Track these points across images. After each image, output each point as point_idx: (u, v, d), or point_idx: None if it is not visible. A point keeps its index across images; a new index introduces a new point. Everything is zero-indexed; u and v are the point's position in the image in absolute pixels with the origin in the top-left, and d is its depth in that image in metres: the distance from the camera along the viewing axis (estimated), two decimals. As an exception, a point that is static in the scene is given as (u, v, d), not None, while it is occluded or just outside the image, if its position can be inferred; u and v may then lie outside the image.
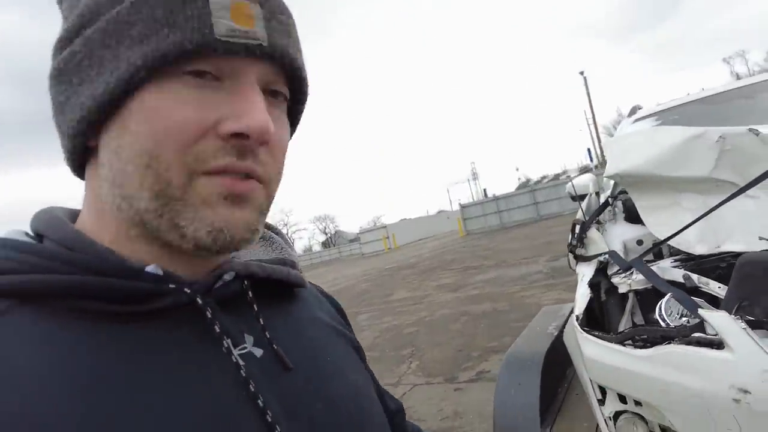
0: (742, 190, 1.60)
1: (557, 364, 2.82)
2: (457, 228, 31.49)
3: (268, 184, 0.44)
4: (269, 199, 0.45)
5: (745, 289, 1.33)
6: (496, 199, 29.14)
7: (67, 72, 0.40)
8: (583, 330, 1.64)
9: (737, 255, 1.57)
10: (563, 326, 3.05)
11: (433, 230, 47.60)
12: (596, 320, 1.89)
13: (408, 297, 9.64)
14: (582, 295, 1.87)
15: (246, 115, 0.39)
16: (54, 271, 0.38)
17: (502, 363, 2.82)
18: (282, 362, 0.45)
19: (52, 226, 0.43)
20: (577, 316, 1.76)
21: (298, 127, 0.53)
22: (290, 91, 0.46)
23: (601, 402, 1.58)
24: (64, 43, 0.41)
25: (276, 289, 0.52)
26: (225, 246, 0.41)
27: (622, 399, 1.49)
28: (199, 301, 0.42)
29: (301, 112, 0.51)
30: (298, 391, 0.45)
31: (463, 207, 30.56)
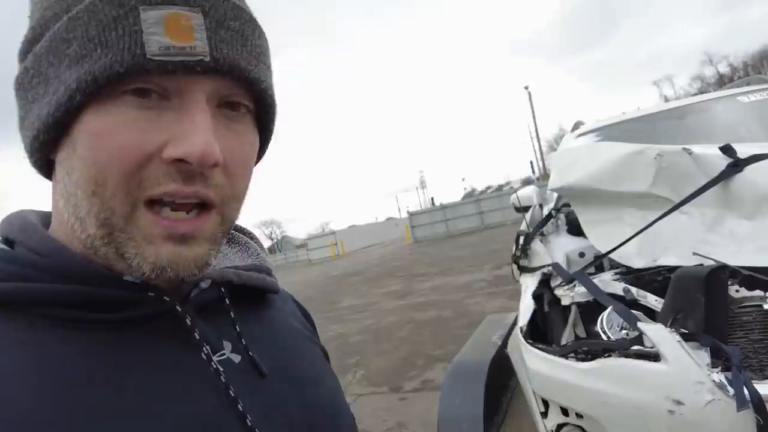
0: (676, 207, 1.67)
1: (501, 374, 2.84)
2: (405, 235, 31.73)
3: (224, 206, 0.42)
4: (226, 222, 0.43)
5: (679, 303, 1.37)
6: (443, 207, 29.67)
7: (23, 87, 0.39)
8: (527, 342, 1.65)
9: (672, 269, 1.63)
10: (507, 335, 3.10)
11: (381, 237, 47.75)
12: (540, 332, 1.91)
13: (355, 304, 9.57)
14: (526, 307, 1.89)
15: (186, 139, 0.36)
16: (28, 279, 0.37)
17: (446, 373, 2.82)
18: (257, 368, 0.46)
19: (24, 231, 0.42)
20: (521, 328, 1.77)
21: (272, 137, 0.50)
22: (255, 101, 0.44)
23: (544, 414, 1.58)
24: (21, 56, 0.40)
25: (251, 295, 0.52)
26: (171, 281, 0.40)
27: (565, 411, 1.50)
28: (179, 308, 0.42)
29: (271, 122, 0.47)
30: (275, 397, 0.45)
31: (411, 215, 30.87)
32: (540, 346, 1.61)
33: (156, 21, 0.35)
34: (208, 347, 0.42)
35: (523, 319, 1.81)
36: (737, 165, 1.64)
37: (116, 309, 0.39)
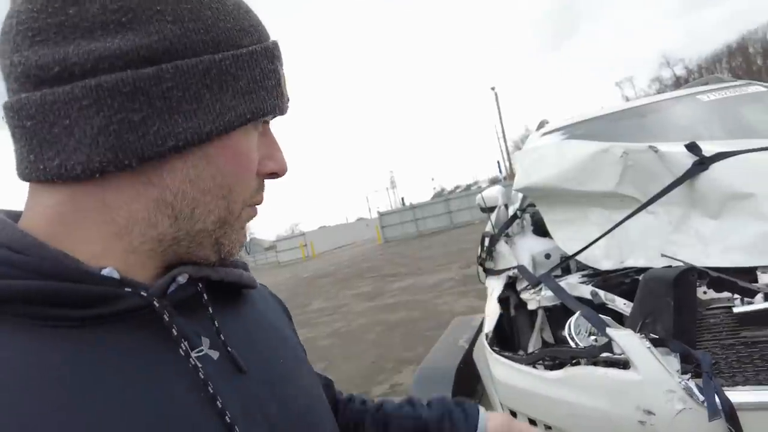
0: (643, 206, 1.63)
1: (468, 379, 2.77)
2: (376, 235, 31.70)
3: None
4: None
5: (648, 306, 1.32)
6: (413, 207, 29.80)
7: (147, 93, 0.40)
8: (493, 350, 1.58)
9: (640, 270, 1.58)
10: (474, 338, 3.04)
11: (352, 238, 47.58)
12: (506, 336, 1.85)
13: (325, 307, 9.44)
14: (491, 312, 1.82)
15: (279, 158, 0.50)
16: (3, 276, 0.37)
17: (413, 379, 2.74)
18: (236, 364, 0.46)
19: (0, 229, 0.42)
20: (487, 335, 1.70)
21: None
22: None
23: (511, 425, 1.51)
24: (136, 59, 0.39)
25: (229, 291, 0.54)
26: (192, 257, 0.47)
27: (532, 422, 1.44)
28: (156, 304, 0.42)
29: None
30: (253, 393, 0.46)
31: (381, 215, 30.89)
32: (506, 354, 1.55)
33: (284, 78, 0.48)
34: (186, 343, 0.43)
35: (489, 325, 1.74)
36: (703, 163, 1.61)
37: (93, 305, 0.39)
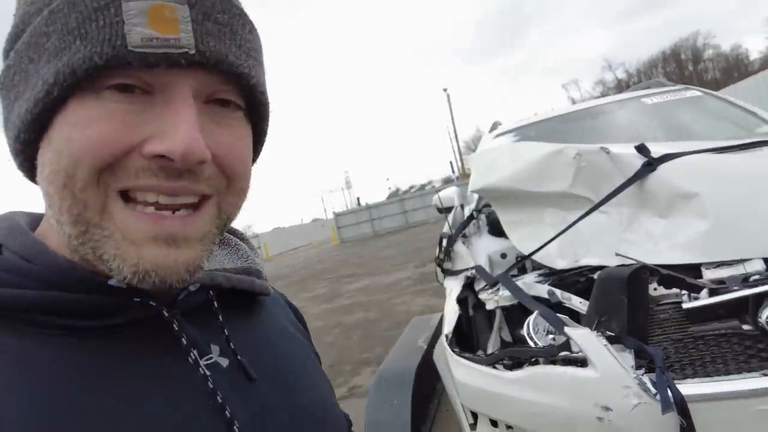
0: (596, 207, 1.67)
1: (428, 379, 2.78)
2: (332, 236, 31.51)
3: (221, 199, 0.41)
4: (222, 217, 0.42)
5: (603, 305, 1.35)
6: (368, 207, 29.81)
7: (5, 86, 0.38)
8: (453, 352, 1.58)
9: (594, 268, 1.63)
10: (433, 338, 3.05)
11: (307, 239, 47.04)
12: (465, 336, 1.85)
13: (279, 310, 9.26)
14: (450, 313, 1.82)
15: (169, 134, 0.35)
16: (12, 285, 0.36)
17: (373, 382, 2.72)
18: (246, 373, 0.45)
19: (12, 235, 0.41)
20: (447, 336, 1.70)
21: (266, 138, 0.49)
22: (246, 99, 0.42)
23: (473, 426, 1.52)
24: (4, 55, 0.38)
25: (241, 298, 0.51)
26: (157, 287, 0.37)
27: (494, 423, 1.44)
28: (166, 313, 0.41)
29: (264, 121, 0.46)
30: (264, 402, 0.45)
31: (337, 215, 30.73)
32: (466, 355, 1.55)
33: (139, 12, 0.33)
34: (195, 351, 0.42)
35: (448, 326, 1.74)
36: (651, 164, 1.68)
37: (101, 315, 0.39)
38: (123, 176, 0.36)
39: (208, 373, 0.42)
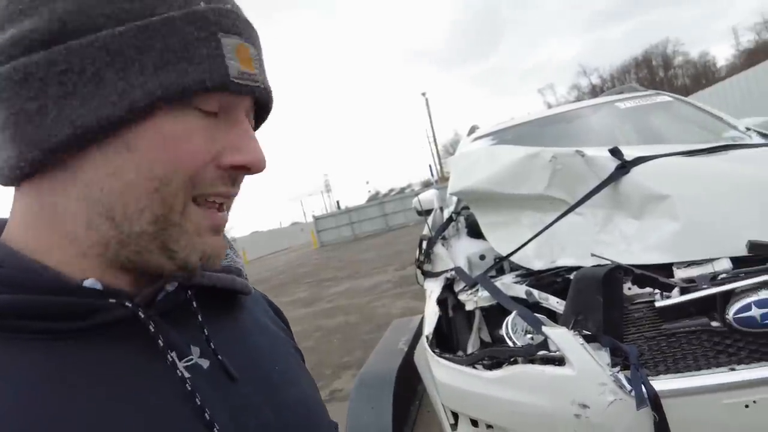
0: (572, 209, 1.71)
1: (409, 381, 2.80)
2: (312, 240, 31.34)
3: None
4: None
5: (579, 304, 1.38)
6: (348, 211, 29.75)
7: (41, 79, 0.36)
8: (434, 353, 1.60)
9: (571, 269, 1.66)
10: (413, 340, 3.07)
11: (287, 243, 46.67)
12: (445, 337, 1.87)
13: (258, 315, 9.17)
14: (431, 314, 1.84)
15: (246, 149, 0.43)
16: None
17: (354, 385, 2.72)
18: (227, 373, 0.45)
19: None
20: (427, 337, 1.71)
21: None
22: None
23: (454, 426, 1.54)
24: (29, 44, 0.36)
25: (221, 297, 0.52)
26: (207, 267, 0.44)
27: (475, 422, 1.46)
28: (141, 314, 0.41)
29: (262, 123, 0.52)
30: (246, 401, 0.45)
31: (316, 219, 30.57)
32: (447, 355, 1.57)
33: (232, 48, 0.40)
34: (173, 353, 0.42)
35: (429, 327, 1.76)
36: (624, 167, 1.72)
37: (76, 318, 0.38)
38: (200, 184, 0.41)
39: (187, 375, 0.41)
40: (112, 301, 0.40)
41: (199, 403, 0.40)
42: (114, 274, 0.42)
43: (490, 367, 1.42)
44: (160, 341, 0.41)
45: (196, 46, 0.38)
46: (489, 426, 1.41)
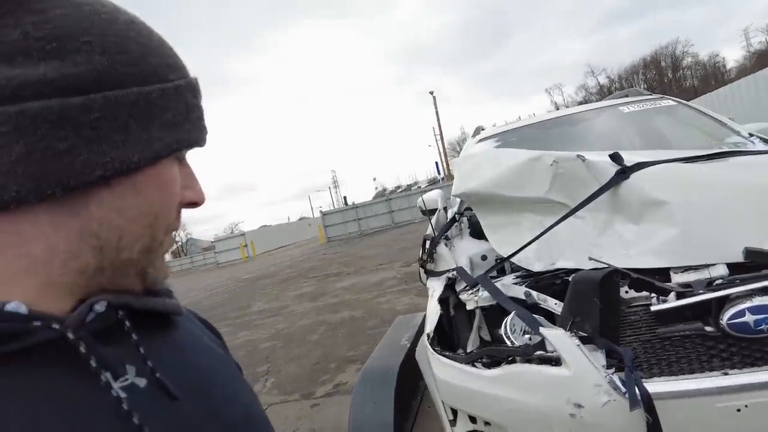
0: (572, 212, 1.74)
1: (411, 377, 2.84)
2: (318, 235, 31.43)
3: None
4: None
5: (577, 306, 1.41)
6: (355, 207, 29.80)
7: (75, 122, 0.39)
8: (435, 350, 1.63)
9: (570, 271, 1.69)
10: (415, 337, 3.11)
11: (294, 237, 46.86)
12: (446, 335, 1.91)
13: (266, 309, 9.25)
14: (432, 312, 1.88)
15: (196, 188, 0.52)
16: None
17: (358, 379, 2.76)
18: (167, 391, 0.45)
19: None
20: (428, 335, 1.75)
21: None
22: None
23: (453, 422, 1.57)
24: (64, 87, 0.39)
25: (154, 318, 0.52)
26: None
27: (473, 419, 1.50)
28: (71, 335, 0.40)
29: None
30: (187, 420, 0.45)
31: (324, 214, 30.67)
32: (447, 353, 1.60)
33: (202, 111, 0.51)
34: (108, 374, 0.40)
35: (430, 325, 1.80)
36: (624, 172, 1.75)
37: (1, 342, 0.37)
38: (172, 221, 0.49)
39: (123, 395, 0.40)
40: (37, 323, 0.38)
41: (137, 422, 0.40)
42: (53, 297, 0.41)
43: (488, 366, 1.45)
44: (92, 361, 0.40)
45: (192, 110, 0.48)
46: (487, 423, 1.44)
